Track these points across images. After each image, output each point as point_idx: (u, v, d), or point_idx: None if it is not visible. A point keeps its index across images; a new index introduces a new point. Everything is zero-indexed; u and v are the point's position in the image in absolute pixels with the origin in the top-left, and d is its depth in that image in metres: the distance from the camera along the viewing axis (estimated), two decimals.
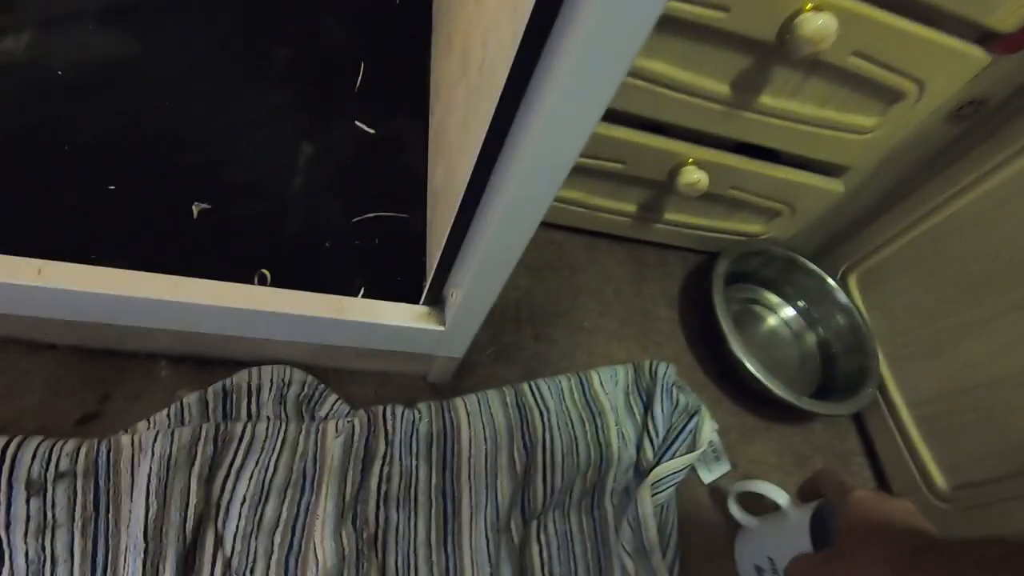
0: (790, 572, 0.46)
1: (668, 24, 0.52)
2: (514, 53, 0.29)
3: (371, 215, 0.60)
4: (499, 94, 0.32)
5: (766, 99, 0.60)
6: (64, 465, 0.42)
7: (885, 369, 0.73)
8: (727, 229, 0.78)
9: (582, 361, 0.68)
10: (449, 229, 0.42)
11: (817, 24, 0.50)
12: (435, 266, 0.47)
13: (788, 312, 0.81)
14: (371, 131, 0.65)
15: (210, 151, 0.58)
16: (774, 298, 0.82)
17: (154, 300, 0.42)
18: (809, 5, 0.51)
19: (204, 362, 0.52)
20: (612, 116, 0.61)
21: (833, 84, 0.60)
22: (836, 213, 0.79)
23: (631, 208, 0.74)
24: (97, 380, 0.48)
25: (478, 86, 0.42)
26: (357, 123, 0.65)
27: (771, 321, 0.81)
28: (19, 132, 0.52)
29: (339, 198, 0.60)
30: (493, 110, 0.33)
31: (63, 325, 0.46)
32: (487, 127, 0.34)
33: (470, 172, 0.38)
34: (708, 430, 0.62)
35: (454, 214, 0.41)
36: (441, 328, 0.49)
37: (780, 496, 0.55)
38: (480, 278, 0.42)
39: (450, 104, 0.56)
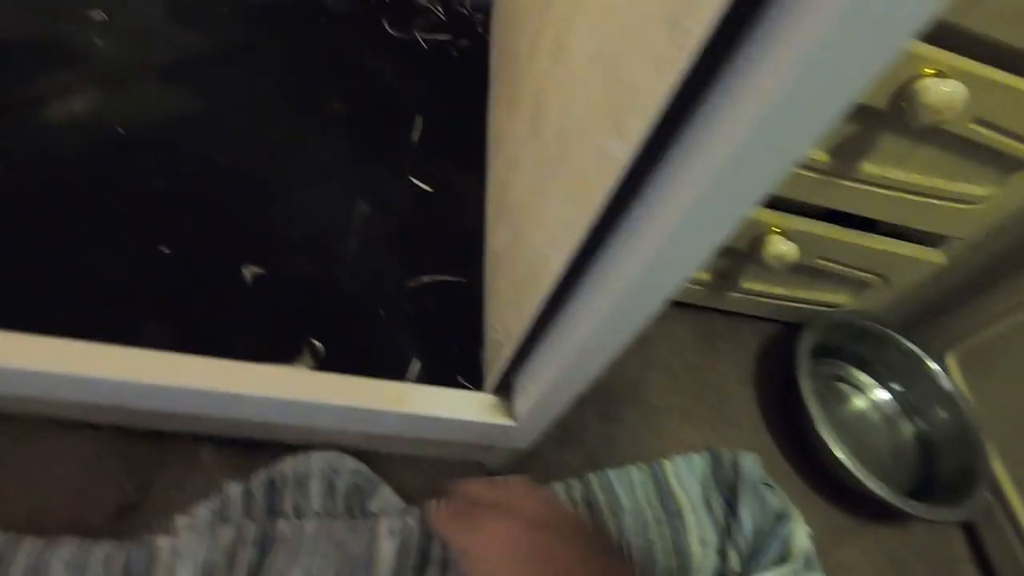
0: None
1: None
2: (645, 128, 0.25)
3: (427, 279, 0.56)
4: (618, 176, 0.27)
5: (869, 167, 0.54)
6: (96, 573, 0.37)
7: (1000, 468, 0.64)
8: (809, 300, 0.71)
9: (652, 445, 0.61)
10: (532, 320, 0.37)
11: (943, 92, 0.44)
12: (507, 354, 0.42)
13: (880, 395, 0.73)
14: (427, 188, 0.62)
15: (264, 209, 0.55)
16: (863, 377, 0.74)
17: (196, 389, 0.38)
18: (928, 70, 0.46)
19: (251, 446, 0.48)
20: None
21: (946, 152, 0.53)
22: (934, 285, 0.72)
23: (705, 276, 0.68)
24: (136, 465, 0.45)
25: (557, 155, 0.38)
26: (412, 179, 0.62)
27: (859, 403, 0.73)
28: (74, 192, 0.50)
29: (394, 259, 0.56)
30: (604, 194, 0.28)
31: (103, 408, 0.43)
32: (594, 212, 0.29)
33: (564, 261, 0.33)
34: (802, 538, 0.54)
35: (538, 304, 0.36)
36: (511, 423, 0.44)
37: None
38: (567, 375, 0.37)
39: (515, 164, 0.52)
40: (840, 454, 0.58)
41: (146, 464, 0.45)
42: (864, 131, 0.51)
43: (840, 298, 0.72)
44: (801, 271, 0.67)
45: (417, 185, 0.62)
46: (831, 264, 0.65)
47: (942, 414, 0.68)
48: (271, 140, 0.60)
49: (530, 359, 0.42)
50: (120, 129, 0.54)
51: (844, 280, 0.69)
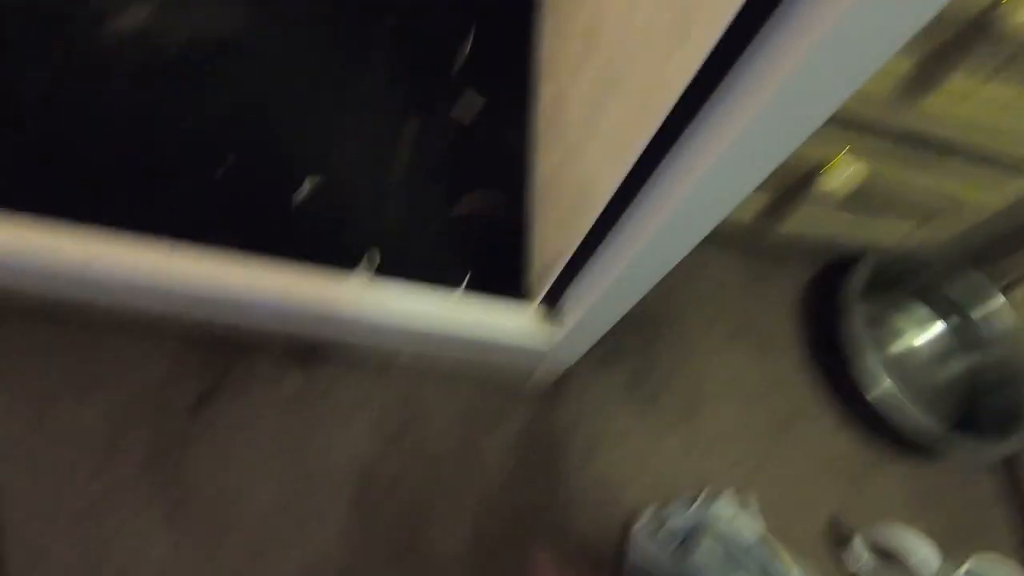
0: None
1: None
2: (714, 37, 0.24)
3: (477, 195, 0.57)
4: (677, 95, 0.26)
5: (955, 82, 0.50)
6: None
7: None
8: (868, 233, 0.68)
9: (692, 370, 0.62)
10: (584, 236, 0.37)
11: None
12: (555, 272, 0.43)
13: (936, 329, 0.71)
14: (476, 106, 0.62)
15: (321, 123, 0.56)
16: (920, 311, 0.72)
17: (260, 302, 0.41)
18: None
19: (310, 351, 0.51)
20: None
21: None
22: (1009, 214, 0.67)
23: (756, 209, 0.66)
24: (209, 367, 0.49)
25: (615, 72, 0.37)
26: (461, 96, 0.62)
27: (912, 337, 0.71)
28: (133, 110, 0.51)
29: (444, 176, 0.57)
30: (665, 112, 0.28)
31: (174, 314, 0.46)
32: (654, 129, 0.29)
33: (618, 180, 0.33)
34: None
35: (591, 220, 0.37)
36: (555, 339, 0.45)
37: (920, 549, 0.49)
38: (614, 292, 0.38)
39: (568, 87, 0.50)
40: (883, 387, 0.58)
41: (218, 365, 0.49)
42: (953, 42, 0.47)
43: (902, 230, 0.69)
44: (864, 201, 0.64)
45: (465, 104, 0.62)
46: (899, 193, 0.62)
47: (998, 350, 0.66)
48: (326, 56, 0.59)
49: (579, 275, 0.43)
50: (179, 45, 0.55)
51: (910, 211, 0.65)
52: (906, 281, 0.71)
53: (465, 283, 0.51)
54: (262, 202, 0.52)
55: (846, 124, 0.55)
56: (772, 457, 0.60)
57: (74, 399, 0.45)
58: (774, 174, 0.59)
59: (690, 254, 0.68)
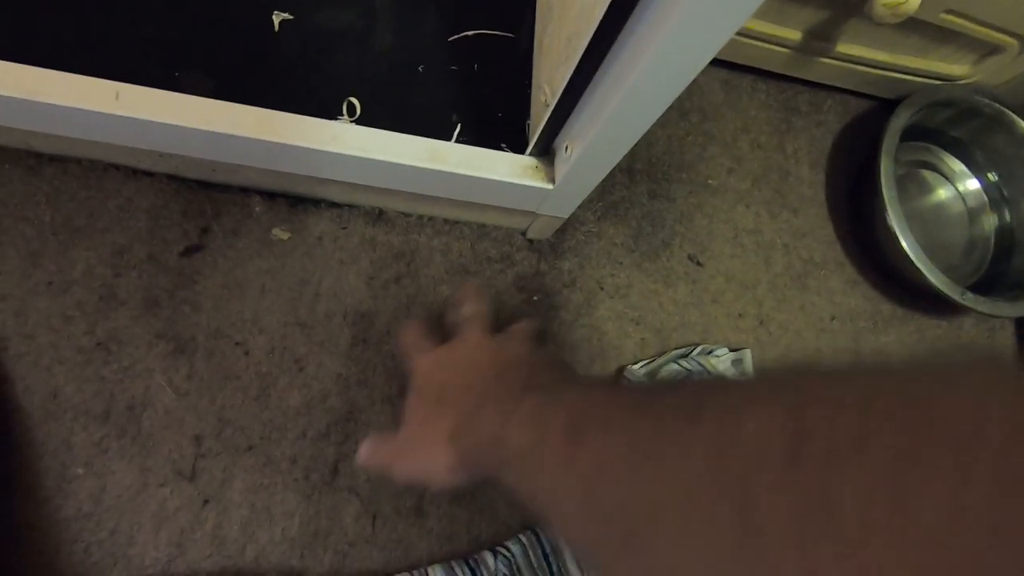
0: (373, 452, 0.37)
1: None
2: None
3: (471, 33, 0.51)
4: None
5: None
6: None
7: None
8: (918, 69, 0.60)
9: (700, 226, 0.59)
10: (573, 68, 0.33)
11: None
12: (549, 112, 0.38)
13: (971, 184, 0.66)
14: None
15: None
16: (956, 164, 0.66)
17: (234, 136, 0.38)
18: None
19: (297, 200, 0.49)
20: None
21: None
22: None
23: (794, 35, 0.58)
24: (195, 212, 0.47)
25: None
26: None
27: (943, 193, 0.66)
28: None
29: (435, 8, 0.50)
30: None
31: (155, 154, 0.44)
32: None
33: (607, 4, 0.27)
34: None
35: (580, 48, 0.32)
36: (549, 186, 0.42)
37: None
38: (608, 132, 0.34)
39: None
40: (904, 242, 0.54)
41: (203, 212, 0.47)
42: None
43: (957, 68, 0.61)
44: (918, 29, 0.56)
45: None
46: (959, 20, 0.53)
47: None
48: None
49: (571, 120, 0.38)
50: None
51: (970, 43, 0.57)
52: (949, 128, 0.64)
53: (458, 130, 0.46)
54: (228, 42, 0.46)
55: None
56: (780, 310, 0.59)
57: (59, 251, 0.44)
58: None
59: (719, 87, 0.62)
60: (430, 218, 0.52)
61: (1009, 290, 0.60)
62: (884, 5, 0.48)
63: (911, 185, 0.66)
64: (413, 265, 0.51)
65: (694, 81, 0.64)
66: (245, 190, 0.49)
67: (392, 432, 0.37)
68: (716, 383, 0.23)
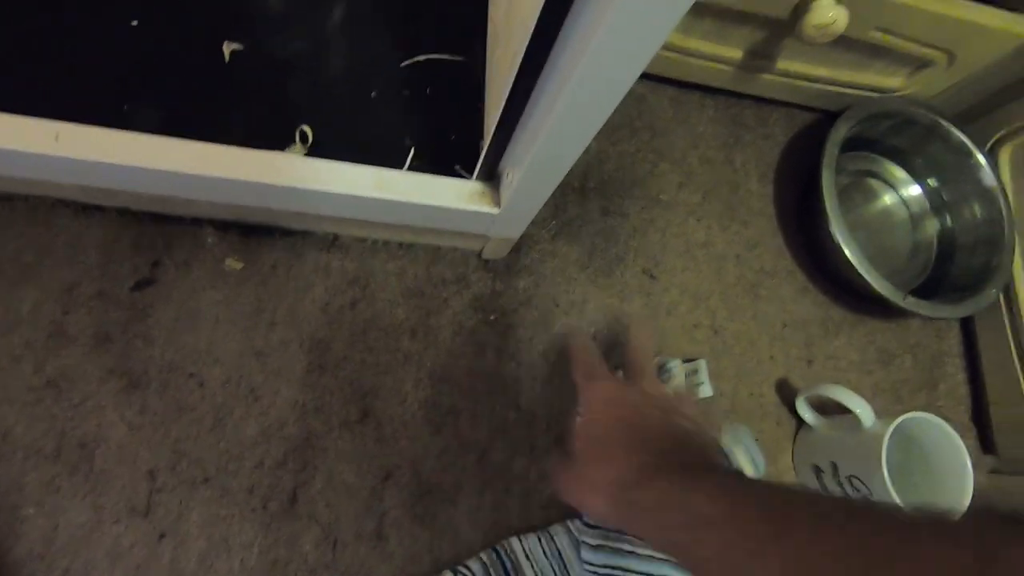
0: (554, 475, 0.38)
1: None
2: None
3: (423, 58, 0.52)
4: None
5: None
6: None
7: (1019, 265, 0.62)
8: (856, 83, 0.63)
9: (654, 241, 0.61)
10: (507, 92, 0.34)
11: None
12: (490, 137, 0.39)
13: (912, 190, 0.68)
14: None
15: None
16: (898, 172, 0.68)
17: (179, 173, 0.38)
18: None
19: (250, 229, 0.50)
20: None
21: None
22: (1007, 65, 0.61)
23: (735, 54, 0.60)
24: (146, 246, 0.47)
25: None
26: None
27: (887, 199, 0.69)
28: None
29: (386, 34, 0.51)
30: None
31: (104, 190, 0.44)
32: None
33: (536, 15, 0.28)
34: None
35: (514, 73, 0.33)
36: (495, 210, 0.43)
37: (859, 406, 0.51)
38: (544, 156, 0.35)
39: None
40: (849, 250, 0.56)
41: (154, 245, 0.48)
42: None
43: (892, 80, 0.63)
44: (851, 47, 0.58)
45: None
46: (888, 37, 0.56)
47: (975, 211, 0.64)
48: None
49: (511, 145, 0.39)
50: None
51: (901, 58, 0.60)
52: (888, 138, 0.66)
53: (411, 155, 0.47)
54: (176, 73, 0.46)
55: None
56: (733, 320, 0.61)
57: (7, 290, 0.44)
58: (758, 14, 0.54)
59: (667, 104, 0.64)
60: (384, 242, 0.53)
61: (951, 292, 0.62)
62: (814, 26, 0.50)
63: (857, 193, 0.68)
64: (368, 290, 0.51)
65: (644, 99, 0.66)
66: (197, 221, 0.49)
67: (564, 455, 0.37)
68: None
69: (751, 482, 0.29)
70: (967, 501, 0.49)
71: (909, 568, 0.19)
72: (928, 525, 0.22)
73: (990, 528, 0.18)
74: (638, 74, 0.29)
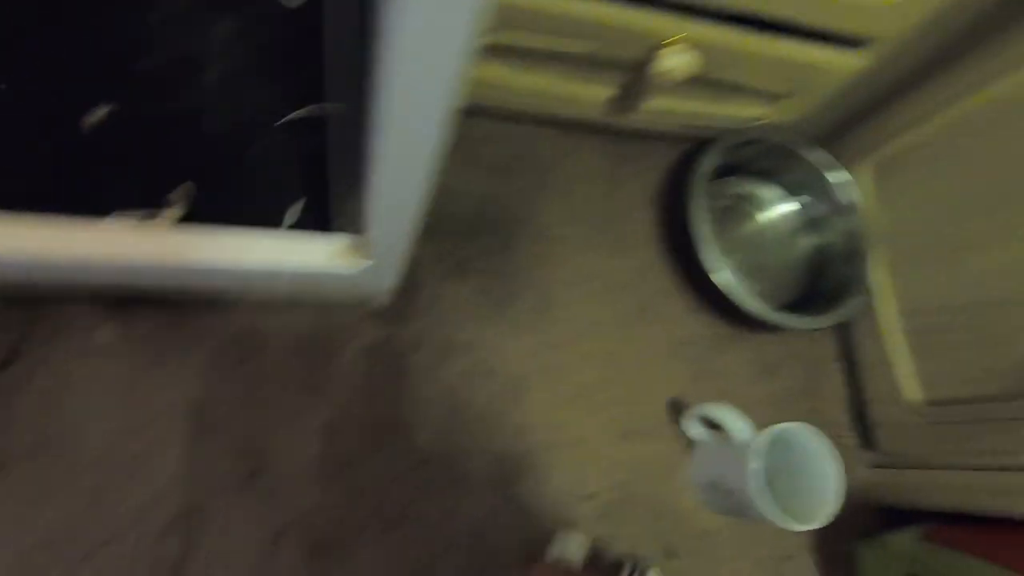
0: None
1: None
2: None
3: (303, 113, 0.52)
4: None
5: None
6: None
7: (885, 272, 0.67)
8: (720, 115, 0.68)
9: (544, 276, 0.63)
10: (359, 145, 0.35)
11: None
12: (359, 190, 0.41)
13: (785, 208, 0.73)
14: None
15: (109, 35, 0.49)
16: (771, 192, 0.74)
17: (29, 257, 0.38)
18: None
19: (121, 299, 0.49)
20: None
21: None
22: (854, 92, 0.67)
23: (608, 94, 0.63)
24: (5, 327, 0.46)
25: None
26: None
27: (764, 219, 0.74)
28: None
29: (265, 87, 0.52)
30: None
31: None
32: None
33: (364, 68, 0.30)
34: None
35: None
36: (368, 262, 0.44)
37: (732, 422, 0.54)
38: (391, 203, 0.36)
39: None
40: (726, 270, 0.60)
41: (15, 325, 0.47)
42: None
43: (754, 111, 0.68)
44: (711, 85, 0.63)
45: None
46: (741, 76, 0.60)
47: (840, 225, 0.69)
48: None
49: (369, 193, 0.41)
50: None
51: (757, 93, 0.65)
52: (757, 162, 0.71)
53: (295, 215, 0.48)
54: (45, 138, 0.46)
55: (673, 6, 0.52)
56: (625, 347, 0.64)
57: None
58: (613, 60, 0.57)
59: (551, 144, 0.67)
60: (270, 301, 0.53)
61: (825, 302, 0.67)
62: (660, 72, 0.54)
63: (735, 215, 0.73)
64: (256, 347, 0.51)
65: (528, 140, 0.68)
66: (63, 296, 0.48)
67: None
68: None
69: None
70: (838, 500, 0.52)
71: None
72: None
73: None
74: (442, 122, 0.30)
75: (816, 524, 0.51)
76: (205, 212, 0.44)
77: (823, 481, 0.54)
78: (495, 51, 0.56)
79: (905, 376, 0.64)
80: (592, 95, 0.63)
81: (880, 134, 0.68)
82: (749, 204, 0.74)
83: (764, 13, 0.53)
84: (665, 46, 0.54)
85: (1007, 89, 0.55)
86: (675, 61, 0.53)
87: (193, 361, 0.50)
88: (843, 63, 0.60)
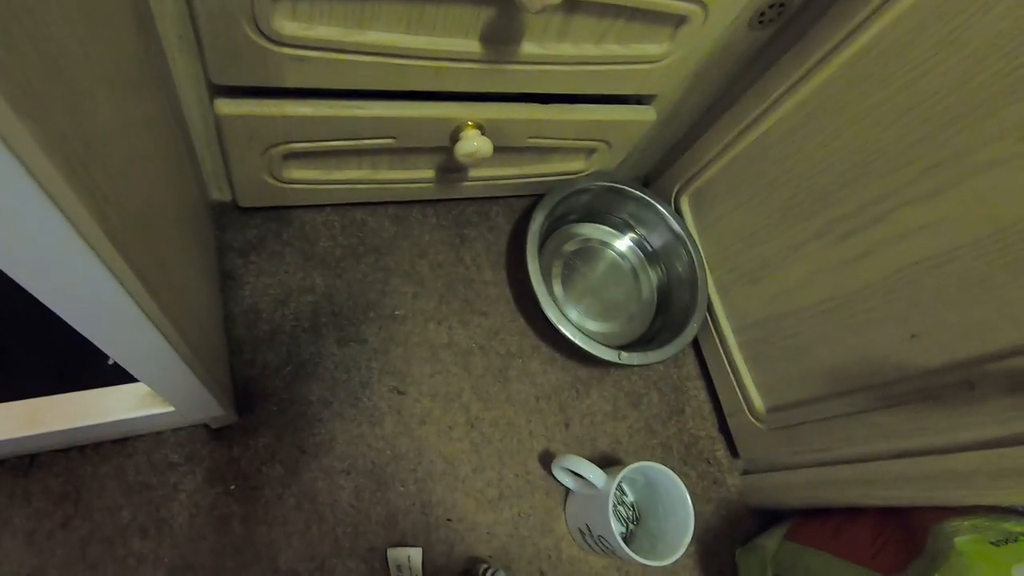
0: None
1: None
2: None
3: None
4: None
5: (530, 48, 0.51)
6: None
7: (715, 295, 0.73)
8: (546, 173, 0.72)
9: (397, 357, 0.64)
10: None
11: None
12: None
13: (625, 245, 0.78)
14: None
15: None
16: (610, 232, 0.78)
17: None
18: None
19: None
20: (358, 95, 0.51)
21: (603, 19, 0.51)
22: (658, 137, 0.73)
23: (428, 174, 0.66)
24: None
25: None
26: None
27: (610, 258, 0.78)
28: None
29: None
30: None
31: None
32: None
33: None
34: None
35: None
36: (168, 408, 0.43)
37: (586, 470, 0.56)
38: (132, 361, 0.35)
39: None
40: (564, 328, 0.63)
41: None
42: (502, 13, 0.47)
43: (575, 165, 0.73)
44: (525, 152, 0.66)
45: None
46: (547, 141, 0.64)
47: (674, 255, 0.75)
48: None
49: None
50: None
51: (570, 151, 0.69)
52: (594, 205, 0.76)
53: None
54: None
55: (460, 96, 0.55)
56: (488, 409, 0.65)
57: None
58: (420, 148, 0.59)
59: (389, 224, 0.68)
60: (94, 446, 0.51)
61: (674, 331, 0.72)
62: (463, 154, 0.56)
63: (585, 256, 0.77)
64: (82, 503, 0.49)
65: (364, 224, 0.69)
66: None
67: None
68: None
69: None
70: (691, 529, 0.56)
71: None
72: None
73: None
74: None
75: (672, 559, 0.54)
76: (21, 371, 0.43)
77: (678, 514, 0.58)
78: (298, 157, 0.57)
79: (750, 387, 0.69)
80: (415, 177, 0.65)
81: (688, 170, 0.74)
82: (597, 244, 0.78)
83: (548, 91, 0.57)
84: (463, 130, 0.57)
85: (768, 126, 0.61)
86: (476, 143, 0.56)
87: (12, 531, 0.47)
88: (638, 117, 0.65)
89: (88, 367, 0.47)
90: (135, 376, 0.36)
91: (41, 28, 0.18)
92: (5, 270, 0.21)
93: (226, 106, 0.48)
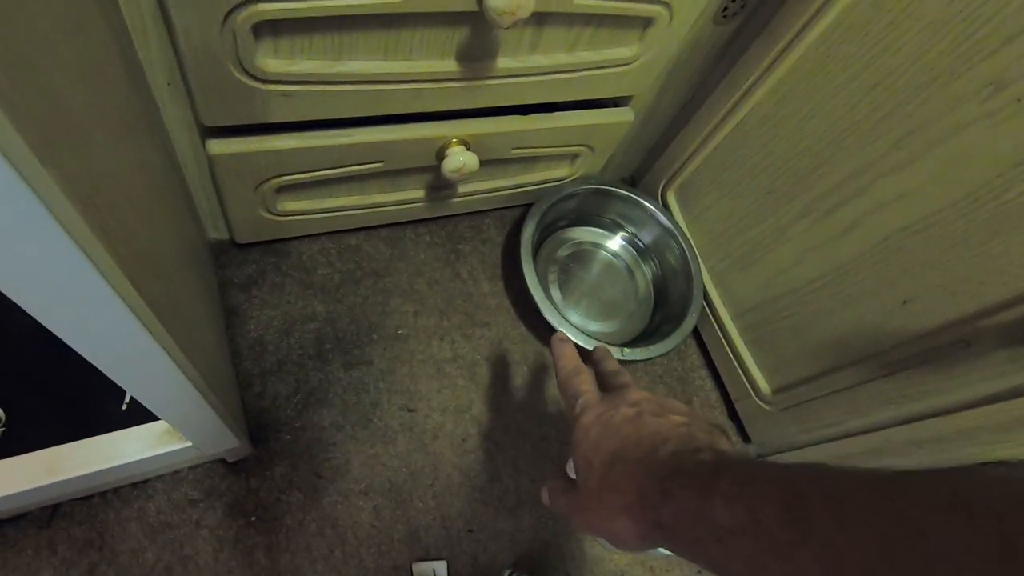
0: (552, 499, 0.38)
1: (358, 20, 0.43)
2: None
3: None
4: None
5: (505, 62, 0.53)
6: None
7: (710, 284, 0.74)
8: (533, 181, 0.73)
9: (403, 375, 0.65)
10: None
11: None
12: None
13: (617, 244, 0.80)
14: None
15: None
16: (601, 234, 0.80)
17: None
18: None
19: None
20: (344, 123, 0.53)
21: (573, 27, 0.52)
22: (639, 136, 0.75)
23: (418, 193, 0.67)
24: None
25: None
26: None
27: (604, 258, 0.79)
28: None
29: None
30: None
31: None
32: None
33: None
34: None
35: None
36: (186, 443, 0.44)
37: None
38: (156, 400, 0.36)
39: None
40: (561, 330, 0.64)
41: None
42: (475, 33, 0.48)
43: (561, 172, 0.74)
44: (510, 163, 0.68)
45: None
46: (530, 150, 0.66)
47: (667, 249, 0.76)
48: None
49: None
50: None
51: (554, 158, 0.71)
52: (584, 208, 0.77)
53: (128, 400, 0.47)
54: None
55: (441, 115, 0.57)
56: (500, 418, 0.66)
57: None
58: (408, 169, 0.61)
59: (384, 246, 0.70)
60: (114, 491, 0.51)
61: (673, 321, 0.73)
62: (450, 171, 0.58)
63: (581, 259, 0.78)
64: (107, 548, 0.49)
65: (359, 249, 0.71)
66: None
67: (568, 480, 0.36)
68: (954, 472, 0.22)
69: (761, 472, 0.26)
70: None
71: (931, 560, 0.19)
72: (947, 508, 0.19)
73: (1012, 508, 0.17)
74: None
75: None
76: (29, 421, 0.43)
77: None
78: (290, 189, 0.58)
79: (754, 371, 0.70)
80: (405, 198, 0.66)
81: (671, 166, 0.76)
82: (589, 246, 0.79)
83: (527, 102, 0.59)
84: (449, 147, 0.59)
85: (744, 115, 0.63)
86: (462, 159, 0.58)
87: None
88: (616, 119, 0.67)
89: (102, 414, 0.47)
90: (152, 411, 0.37)
91: (48, 81, 0.19)
92: (34, 314, 0.22)
93: (217, 146, 0.49)
